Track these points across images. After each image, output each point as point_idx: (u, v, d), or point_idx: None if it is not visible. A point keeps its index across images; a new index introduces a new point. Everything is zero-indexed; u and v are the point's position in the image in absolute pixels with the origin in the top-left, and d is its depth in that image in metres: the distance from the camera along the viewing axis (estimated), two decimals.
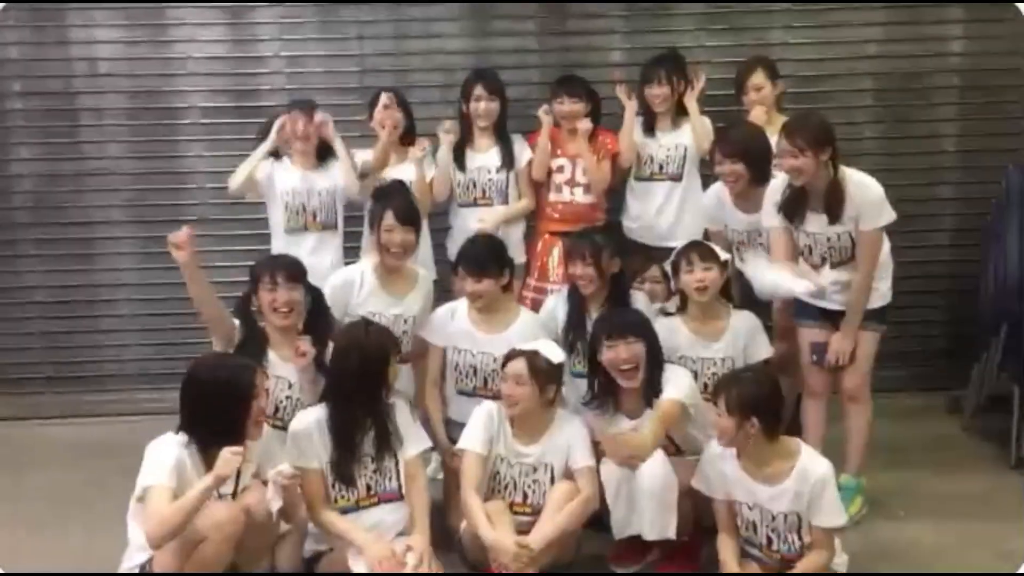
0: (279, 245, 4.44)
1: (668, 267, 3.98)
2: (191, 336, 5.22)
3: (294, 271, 3.72)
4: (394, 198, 4.05)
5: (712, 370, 3.85)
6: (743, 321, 3.90)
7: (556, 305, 4.11)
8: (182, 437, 3.16)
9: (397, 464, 3.48)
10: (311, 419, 3.46)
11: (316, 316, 3.77)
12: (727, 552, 3.32)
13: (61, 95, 5.25)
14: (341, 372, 3.45)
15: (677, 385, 3.58)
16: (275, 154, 4.49)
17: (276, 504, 3.17)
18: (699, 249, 3.86)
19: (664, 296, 4.15)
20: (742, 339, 3.88)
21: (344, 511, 3.43)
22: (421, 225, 4.12)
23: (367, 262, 4.10)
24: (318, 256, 4.37)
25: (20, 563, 3.74)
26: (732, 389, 3.22)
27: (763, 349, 3.91)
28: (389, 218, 3.92)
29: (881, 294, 3.96)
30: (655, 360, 3.59)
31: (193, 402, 3.18)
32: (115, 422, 5.23)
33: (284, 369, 3.68)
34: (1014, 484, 4.31)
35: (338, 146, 4.47)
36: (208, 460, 3.11)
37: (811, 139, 3.71)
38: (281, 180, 4.44)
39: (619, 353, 3.54)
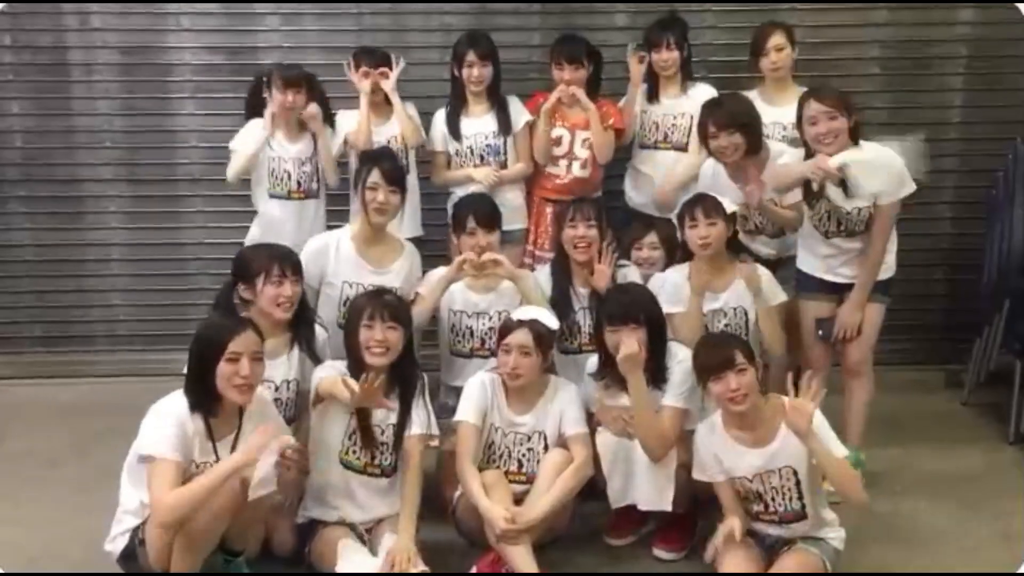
0: (264, 208, 4.38)
1: (675, 218, 3.91)
2: (180, 297, 5.21)
3: (298, 263, 3.62)
4: (382, 159, 4.01)
5: (724, 321, 3.80)
6: (750, 271, 3.82)
7: (541, 280, 4.03)
8: (183, 398, 3.10)
9: (400, 441, 3.41)
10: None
11: (302, 306, 3.64)
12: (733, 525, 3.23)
13: (52, 49, 5.14)
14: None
15: (679, 387, 3.48)
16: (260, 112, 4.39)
17: (267, 488, 3.08)
18: (704, 204, 3.78)
19: (662, 264, 4.09)
20: (751, 288, 3.81)
21: (347, 465, 3.39)
22: (406, 188, 4.06)
23: (345, 229, 4.03)
24: (298, 222, 4.31)
25: (6, 528, 3.69)
26: (735, 345, 3.21)
27: (779, 294, 3.87)
28: (375, 176, 3.88)
29: (887, 266, 3.92)
30: (659, 342, 3.51)
31: (188, 359, 3.15)
32: (104, 383, 5.18)
33: (271, 369, 3.47)
34: (1013, 460, 4.30)
35: (321, 136, 4.37)
36: (209, 425, 3.08)
37: (842, 102, 3.69)
38: (265, 144, 4.35)
39: (620, 338, 3.45)
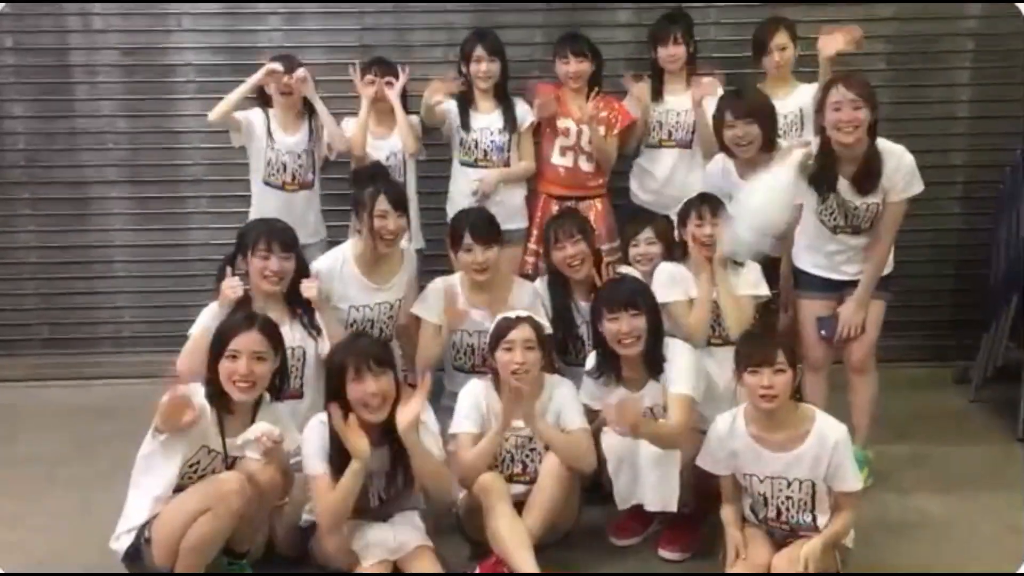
0: (258, 194, 4.48)
1: (675, 216, 3.90)
2: (185, 298, 5.18)
3: (288, 240, 3.66)
4: (383, 182, 3.99)
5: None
6: (746, 265, 3.86)
7: (540, 291, 4.03)
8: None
9: (409, 475, 3.28)
10: (317, 434, 3.21)
11: (299, 281, 3.69)
12: (730, 519, 3.27)
13: (54, 51, 5.14)
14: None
15: (682, 374, 3.47)
16: (265, 102, 4.46)
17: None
18: (711, 203, 3.78)
19: (659, 261, 4.05)
20: (746, 276, 3.82)
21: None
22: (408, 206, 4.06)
23: (348, 249, 4.00)
24: (289, 211, 4.33)
25: (13, 530, 3.69)
26: (781, 345, 3.16)
27: (764, 288, 3.87)
28: (382, 203, 3.84)
29: (888, 262, 3.89)
30: (656, 332, 3.51)
31: None
32: (110, 384, 5.19)
33: None
34: (1021, 456, 4.26)
35: (318, 102, 4.44)
36: (221, 419, 3.17)
37: (868, 92, 3.64)
38: (265, 133, 4.42)
39: (620, 326, 3.45)
